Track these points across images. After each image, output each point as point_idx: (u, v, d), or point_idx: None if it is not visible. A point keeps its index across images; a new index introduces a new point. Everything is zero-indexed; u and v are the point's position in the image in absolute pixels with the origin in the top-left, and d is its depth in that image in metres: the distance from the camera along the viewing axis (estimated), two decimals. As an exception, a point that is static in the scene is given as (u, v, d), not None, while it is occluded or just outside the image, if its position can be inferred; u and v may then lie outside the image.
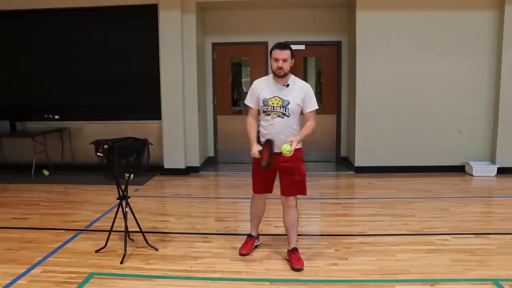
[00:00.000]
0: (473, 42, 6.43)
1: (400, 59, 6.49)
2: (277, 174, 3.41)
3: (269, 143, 3.15)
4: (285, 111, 3.21)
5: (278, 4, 7.14)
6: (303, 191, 3.36)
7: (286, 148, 3.07)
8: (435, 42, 6.42)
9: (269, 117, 3.25)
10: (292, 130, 3.26)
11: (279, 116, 3.22)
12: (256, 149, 3.23)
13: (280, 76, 3.21)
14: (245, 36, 7.37)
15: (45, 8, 6.74)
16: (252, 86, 3.39)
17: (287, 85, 3.25)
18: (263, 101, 3.26)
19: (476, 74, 6.49)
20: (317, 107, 3.33)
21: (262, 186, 3.47)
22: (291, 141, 3.11)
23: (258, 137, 3.39)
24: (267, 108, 3.24)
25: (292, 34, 7.22)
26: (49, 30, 6.94)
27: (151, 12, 6.60)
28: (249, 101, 3.39)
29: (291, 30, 7.27)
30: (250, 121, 3.38)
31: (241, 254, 3.55)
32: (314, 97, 3.32)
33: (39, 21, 6.92)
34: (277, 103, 3.22)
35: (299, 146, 3.33)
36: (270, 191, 3.52)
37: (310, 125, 3.28)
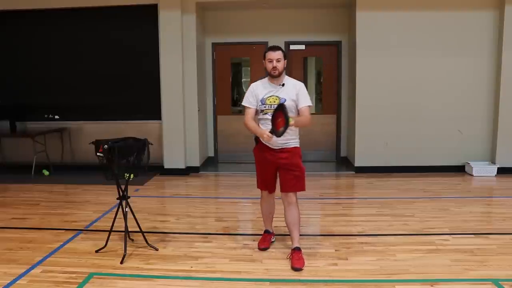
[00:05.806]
0: (473, 42, 6.43)
1: (400, 59, 6.49)
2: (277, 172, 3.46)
3: (281, 107, 3.10)
4: None
5: (278, 4, 7.13)
6: (302, 187, 3.42)
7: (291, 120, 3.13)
8: (435, 42, 6.42)
9: (267, 115, 3.31)
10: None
11: None
12: (266, 131, 3.18)
13: (275, 75, 3.33)
14: (245, 36, 7.37)
15: (45, 8, 6.75)
16: (250, 88, 3.48)
17: (283, 85, 3.36)
18: (261, 100, 3.35)
19: (476, 74, 6.49)
20: (311, 104, 3.40)
21: (264, 182, 3.52)
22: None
23: (256, 141, 3.44)
24: (264, 107, 3.33)
25: (292, 34, 7.19)
26: (49, 30, 6.94)
27: (151, 12, 6.60)
28: (247, 102, 3.44)
29: (291, 30, 7.24)
30: (249, 119, 3.41)
31: (260, 249, 3.65)
32: (308, 95, 3.41)
33: (39, 21, 6.92)
34: (274, 101, 3.31)
35: (297, 144, 3.42)
36: (273, 189, 3.56)
37: (306, 117, 3.33)
